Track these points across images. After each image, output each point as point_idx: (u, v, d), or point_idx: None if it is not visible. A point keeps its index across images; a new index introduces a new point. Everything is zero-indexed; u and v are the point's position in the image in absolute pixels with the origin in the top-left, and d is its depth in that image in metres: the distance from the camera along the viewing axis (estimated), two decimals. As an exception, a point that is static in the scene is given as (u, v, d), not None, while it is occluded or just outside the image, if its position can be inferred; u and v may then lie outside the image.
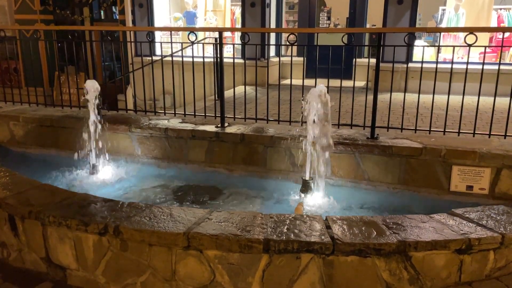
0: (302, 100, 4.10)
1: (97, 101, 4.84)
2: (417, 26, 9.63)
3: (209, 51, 9.16)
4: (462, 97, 4.52)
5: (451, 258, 2.64)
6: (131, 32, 7.92)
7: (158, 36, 10.60)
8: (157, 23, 10.85)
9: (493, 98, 4.41)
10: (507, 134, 4.43)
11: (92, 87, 4.80)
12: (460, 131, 4.56)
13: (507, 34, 8.85)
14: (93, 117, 4.87)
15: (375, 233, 2.64)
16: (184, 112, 5.51)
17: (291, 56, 4.97)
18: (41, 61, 10.46)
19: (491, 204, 3.52)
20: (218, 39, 4.99)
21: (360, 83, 9.01)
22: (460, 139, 4.45)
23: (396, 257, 2.58)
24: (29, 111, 5.84)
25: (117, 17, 10.96)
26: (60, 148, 5.38)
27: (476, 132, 4.52)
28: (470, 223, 2.82)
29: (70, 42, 5.72)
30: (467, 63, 4.36)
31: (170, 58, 5.35)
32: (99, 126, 4.91)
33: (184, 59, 5.35)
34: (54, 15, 11.20)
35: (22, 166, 4.85)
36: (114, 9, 11.30)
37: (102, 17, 11.65)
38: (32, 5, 11.00)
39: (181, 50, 5.91)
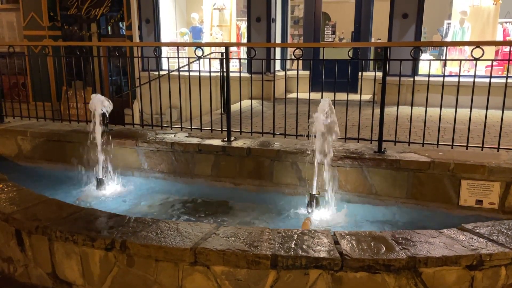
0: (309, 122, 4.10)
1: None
2: (422, 40, 9.64)
3: (215, 65, 9.22)
4: (470, 111, 4.50)
5: (462, 274, 2.59)
6: (138, 47, 8.00)
7: (165, 51, 10.71)
8: (164, 38, 10.96)
9: (500, 111, 4.39)
10: (516, 148, 4.39)
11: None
12: (468, 144, 4.52)
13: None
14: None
15: (384, 248, 2.60)
16: (191, 126, 5.52)
17: (297, 70, 4.98)
18: (49, 76, 10.54)
19: (501, 219, 3.47)
20: (224, 53, 5.02)
21: (366, 96, 9.00)
22: (469, 152, 4.41)
23: (406, 273, 2.54)
24: (37, 126, 5.88)
25: (124, 32, 11.07)
26: (67, 163, 5.39)
27: (484, 145, 4.49)
28: (480, 239, 2.78)
29: (78, 58, 5.79)
30: (474, 76, 4.35)
31: (176, 73, 5.38)
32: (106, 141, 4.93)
33: (191, 73, 5.38)
34: (62, 31, 11.35)
35: (29, 181, 4.86)
36: (121, 25, 11.43)
37: (110, 33, 11.78)
38: (41, 21, 11.15)
39: (188, 64, 5.95)
